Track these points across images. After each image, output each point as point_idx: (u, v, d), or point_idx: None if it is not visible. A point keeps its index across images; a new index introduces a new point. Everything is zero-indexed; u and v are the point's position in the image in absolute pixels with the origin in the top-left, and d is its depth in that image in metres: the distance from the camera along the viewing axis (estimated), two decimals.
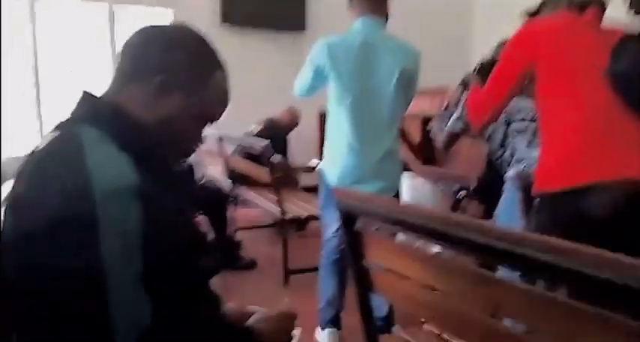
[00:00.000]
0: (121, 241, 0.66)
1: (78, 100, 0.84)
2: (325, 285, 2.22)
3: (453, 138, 2.42)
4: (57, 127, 0.81)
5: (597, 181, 1.32)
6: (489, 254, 0.76)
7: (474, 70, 1.88)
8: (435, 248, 1.35)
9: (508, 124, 2.20)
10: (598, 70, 1.37)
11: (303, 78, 2.15)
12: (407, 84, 2.11)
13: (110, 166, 0.71)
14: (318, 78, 2.08)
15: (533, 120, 2.14)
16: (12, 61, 4.47)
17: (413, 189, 2.76)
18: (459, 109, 2.31)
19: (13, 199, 0.73)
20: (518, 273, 1.39)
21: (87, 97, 0.84)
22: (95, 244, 0.65)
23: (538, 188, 1.46)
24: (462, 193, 2.93)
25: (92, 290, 0.66)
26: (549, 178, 1.43)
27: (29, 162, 0.78)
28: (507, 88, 1.55)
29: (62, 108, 4.52)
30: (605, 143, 1.37)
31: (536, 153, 2.08)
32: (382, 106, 2.07)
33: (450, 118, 2.41)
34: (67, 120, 0.82)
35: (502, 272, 1.52)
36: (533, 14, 1.69)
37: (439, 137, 2.51)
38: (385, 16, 2.11)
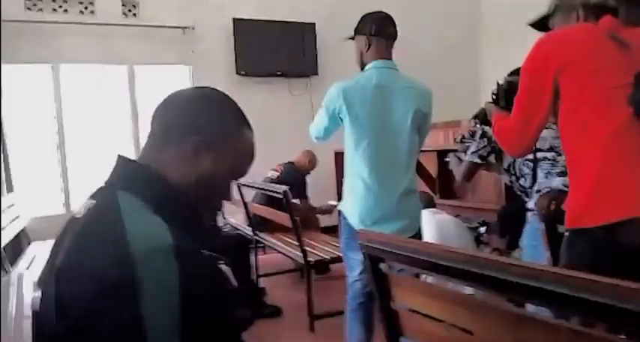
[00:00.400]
0: (160, 300, 0.68)
1: (114, 164, 0.88)
2: (352, 330, 2.18)
3: (472, 170, 2.42)
4: (94, 194, 0.85)
5: (633, 216, 1.26)
6: (519, 292, 0.76)
7: (493, 99, 1.84)
8: (468, 290, 1.34)
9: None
10: (624, 94, 1.31)
11: (319, 122, 2.19)
12: (421, 123, 2.14)
13: (147, 230, 0.74)
14: (334, 121, 2.12)
15: (549, 150, 2.14)
16: (38, 125, 4.65)
17: (437, 226, 2.74)
18: (476, 141, 2.33)
19: (57, 270, 0.75)
20: (546, 308, 1.37)
21: (122, 161, 0.88)
22: (136, 305, 0.67)
23: (571, 223, 1.39)
24: (482, 229, 2.91)
25: None
26: (582, 213, 1.36)
27: (70, 229, 0.81)
28: (542, 107, 1.42)
29: (85, 169, 4.63)
30: (637, 174, 1.31)
31: (555, 182, 2.09)
32: (398, 145, 2.09)
33: (466, 150, 2.42)
34: (105, 186, 0.86)
35: (531, 308, 1.50)
36: (544, 19, 1.61)
37: (457, 169, 2.52)
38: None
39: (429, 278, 1.47)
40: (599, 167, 1.34)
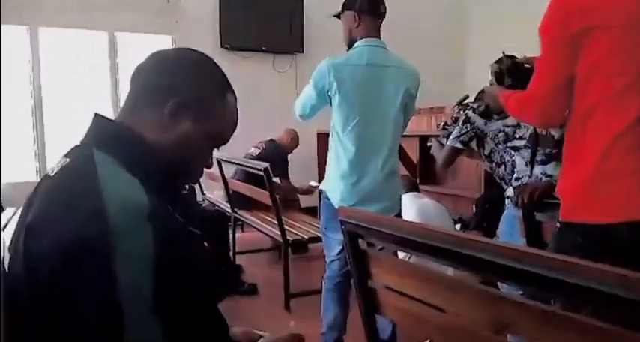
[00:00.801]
0: (135, 261, 0.66)
1: (90, 123, 0.85)
2: (328, 308, 2.20)
3: (453, 156, 2.42)
4: (69, 152, 0.82)
5: (633, 219, 1.23)
6: (498, 272, 0.76)
7: (496, 78, 1.73)
8: (449, 271, 1.34)
9: (506, 141, 2.22)
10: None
11: (305, 99, 2.14)
12: (409, 103, 2.13)
13: (123, 190, 0.72)
14: (322, 99, 2.08)
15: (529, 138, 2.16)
16: (13, 88, 4.52)
17: (419, 210, 2.75)
18: (458, 127, 2.33)
19: (27, 226, 0.72)
20: (519, 290, 1.39)
21: (99, 120, 0.85)
22: (109, 268, 0.65)
23: (566, 215, 1.34)
24: (457, 226, 2.94)
25: (107, 315, 0.65)
26: (578, 206, 1.31)
27: (43, 187, 0.79)
28: (567, 69, 1.32)
29: (63, 134, 4.57)
30: None
31: (536, 171, 2.11)
32: (386, 126, 2.08)
33: (448, 136, 2.42)
34: (80, 144, 0.83)
35: (504, 289, 1.51)
36: None
37: (438, 155, 2.52)
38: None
39: (412, 259, 1.47)
40: (603, 161, 1.28)
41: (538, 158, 2.14)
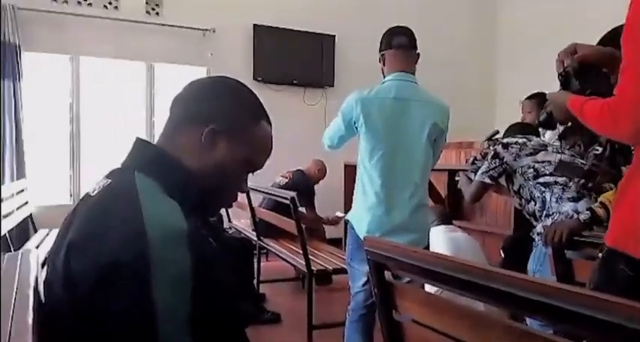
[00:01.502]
0: (172, 286, 0.68)
1: (131, 146, 0.88)
2: (351, 340, 2.17)
3: (481, 190, 2.40)
4: (111, 174, 0.85)
5: None
6: (527, 307, 0.74)
7: (561, 82, 1.42)
8: (480, 306, 1.31)
9: (536, 177, 2.19)
10: None
11: (334, 130, 2.19)
12: (437, 137, 2.14)
13: (164, 213, 0.74)
14: (350, 130, 2.12)
15: (559, 174, 2.14)
16: (53, 114, 4.70)
17: (452, 243, 2.71)
18: (487, 161, 2.32)
19: (68, 244, 0.74)
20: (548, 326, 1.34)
21: (140, 144, 0.88)
22: (148, 288, 0.67)
23: (613, 242, 1.19)
24: None
25: (142, 334, 0.67)
26: (631, 237, 1.15)
27: (83, 206, 0.81)
28: None
29: (97, 159, 4.70)
30: None
31: (566, 208, 2.07)
32: (413, 159, 2.09)
33: (476, 171, 2.41)
34: (121, 167, 0.86)
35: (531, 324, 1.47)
36: None
37: (466, 189, 2.51)
38: (414, 72, 2.17)
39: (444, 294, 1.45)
40: None
41: (569, 195, 2.11)
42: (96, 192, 0.81)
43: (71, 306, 0.70)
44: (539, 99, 2.89)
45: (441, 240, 2.70)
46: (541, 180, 2.18)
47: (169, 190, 0.79)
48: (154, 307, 0.66)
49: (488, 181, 2.31)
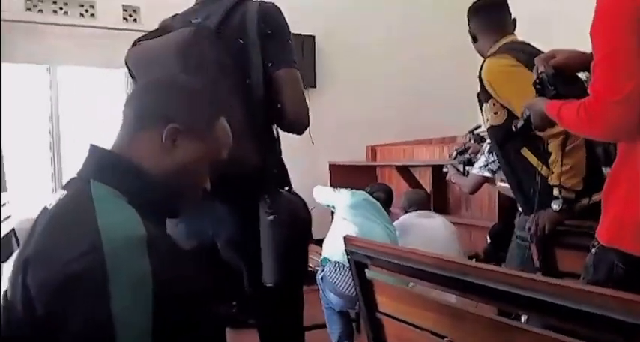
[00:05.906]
0: (132, 295, 0.66)
1: (86, 154, 0.86)
2: (332, 322, 2.41)
3: (480, 183, 2.48)
4: (67, 185, 0.83)
5: None
6: (511, 302, 0.74)
7: (537, 90, 1.39)
8: (452, 298, 1.31)
9: None
10: None
11: (323, 199, 2.88)
12: None
13: (120, 222, 0.72)
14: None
15: None
16: (32, 126, 4.63)
17: (423, 231, 2.68)
18: (485, 156, 2.37)
19: (24, 260, 0.73)
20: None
21: (95, 151, 0.86)
22: (106, 300, 0.65)
23: (607, 240, 1.16)
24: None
25: (99, 340, 0.65)
26: (627, 234, 1.12)
27: (41, 220, 0.79)
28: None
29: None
30: None
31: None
32: None
33: (465, 162, 2.46)
34: (77, 176, 0.84)
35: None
36: None
37: (462, 182, 2.55)
38: None
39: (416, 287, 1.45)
40: None
41: None
42: (52, 205, 0.79)
43: (29, 322, 0.68)
44: None
45: (411, 228, 2.66)
46: None
47: (128, 195, 0.77)
48: (112, 320, 0.64)
49: (488, 174, 2.41)
